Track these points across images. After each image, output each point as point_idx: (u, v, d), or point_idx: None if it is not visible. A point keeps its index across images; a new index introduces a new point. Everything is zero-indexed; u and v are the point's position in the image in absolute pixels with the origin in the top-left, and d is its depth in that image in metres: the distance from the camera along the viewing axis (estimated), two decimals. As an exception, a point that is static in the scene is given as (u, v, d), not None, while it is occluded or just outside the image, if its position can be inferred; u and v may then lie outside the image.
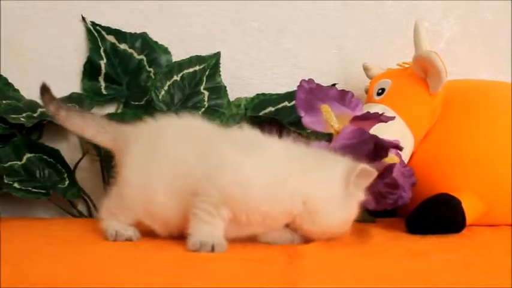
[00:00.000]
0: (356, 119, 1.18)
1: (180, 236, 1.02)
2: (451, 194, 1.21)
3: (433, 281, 0.82)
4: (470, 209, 1.20)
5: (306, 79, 1.27)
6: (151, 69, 1.53)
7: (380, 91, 1.37)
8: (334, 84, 1.46)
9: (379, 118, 1.17)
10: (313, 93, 1.25)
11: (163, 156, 1.04)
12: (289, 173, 0.99)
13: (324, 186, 1.00)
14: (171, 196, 1.02)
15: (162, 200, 1.02)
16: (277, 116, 1.46)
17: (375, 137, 1.16)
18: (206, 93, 1.49)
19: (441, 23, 1.58)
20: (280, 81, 1.56)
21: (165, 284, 0.77)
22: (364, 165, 1.00)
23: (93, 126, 1.13)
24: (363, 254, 0.99)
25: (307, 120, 1.24)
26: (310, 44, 1.57)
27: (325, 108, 1.22)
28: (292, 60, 1.57)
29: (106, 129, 1.13)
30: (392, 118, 1.20)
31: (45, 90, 1.17)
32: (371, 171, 1.00)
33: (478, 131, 1.28)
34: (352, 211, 1.03)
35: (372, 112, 1.19)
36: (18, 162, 1.41)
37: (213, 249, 0.96)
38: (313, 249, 0.99)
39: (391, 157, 1.20)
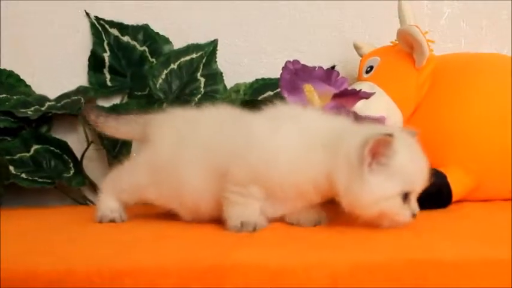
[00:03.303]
0: (336, 96, 1.18)
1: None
2: (437, 168, 1.18)
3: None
4: (457, 183, 1.18)
5: (291, 60, 1.28)
6: (153, 60, 1.56)
7: (368, 69, 1.37)
8: (333, 67, 1.46)
9: (358, 95, 1.17)
10: (297, 74, 1.25)
11: (194, 139, 1.05)
12: (313, 144, 0.95)
13: (341, 160, 0.92)
14: (203, 178, 1.01)
15: (194, 182, 1.02)
16: (276, 99, 1.46)
17: (354, 113, 1.16)
18: (202, 79, 1.52)
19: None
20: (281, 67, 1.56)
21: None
22: (377, 136, 0.89)
23: (126, 125, 1.16)
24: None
25: (290, 100, 1.24)
26: (309, 28, 1.57)
27: (308, 87, 1.23)
28: (291, 45, 1.57)
29: (138, 122, 1.15)
30: (372, 94, 1.18)
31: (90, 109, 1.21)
32: (386, 139, 0.89)
33: (465, 105, 1.25)
34: (381, 187, 0.90)
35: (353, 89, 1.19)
36: (27, 154, 1.47)
37: (254, 229, 0.95)
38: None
39: (376, 134, 1.19)
